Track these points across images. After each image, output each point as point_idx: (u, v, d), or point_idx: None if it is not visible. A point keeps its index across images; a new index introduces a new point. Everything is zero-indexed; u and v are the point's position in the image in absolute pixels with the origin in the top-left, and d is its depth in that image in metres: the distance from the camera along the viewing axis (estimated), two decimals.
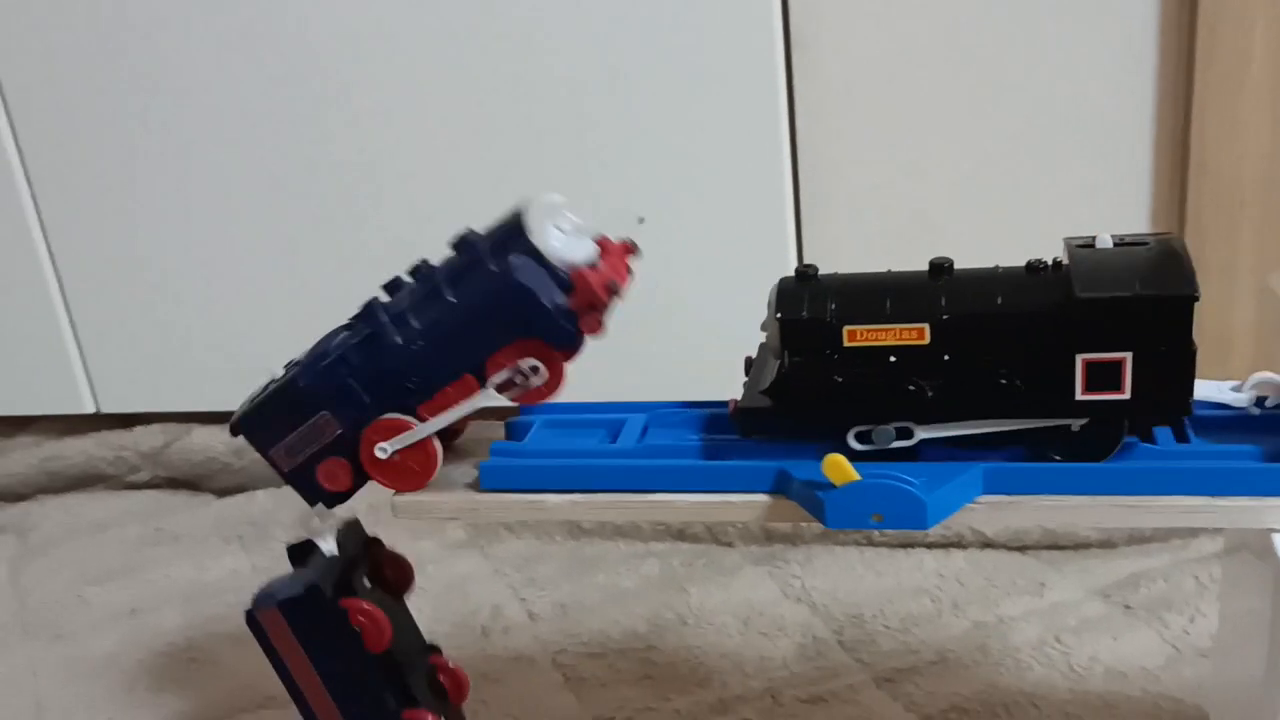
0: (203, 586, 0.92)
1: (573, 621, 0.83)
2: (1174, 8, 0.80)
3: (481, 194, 0.94)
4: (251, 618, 0.54)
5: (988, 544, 0.86)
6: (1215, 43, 0.79)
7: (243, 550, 0.97)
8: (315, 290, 0.99)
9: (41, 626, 0.89)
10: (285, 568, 0.93)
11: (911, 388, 0.46)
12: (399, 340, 0.50)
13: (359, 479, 0.52)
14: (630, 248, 0.52)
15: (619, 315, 0.94)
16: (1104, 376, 0.44)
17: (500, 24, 0.89)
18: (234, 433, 0.54)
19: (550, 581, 0.88)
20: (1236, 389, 0.49)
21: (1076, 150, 0.85)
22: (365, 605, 0.52)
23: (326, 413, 0.51)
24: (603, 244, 0.51)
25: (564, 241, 0.49)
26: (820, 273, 0.48)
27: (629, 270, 0.51)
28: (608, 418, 0.55)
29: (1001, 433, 0.47)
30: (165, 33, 0.95)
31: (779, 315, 0.47)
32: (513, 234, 0.49)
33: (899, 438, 0.47)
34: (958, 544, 0.86)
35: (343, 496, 0.53)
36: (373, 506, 0.54)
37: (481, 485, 0.51)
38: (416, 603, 0.58)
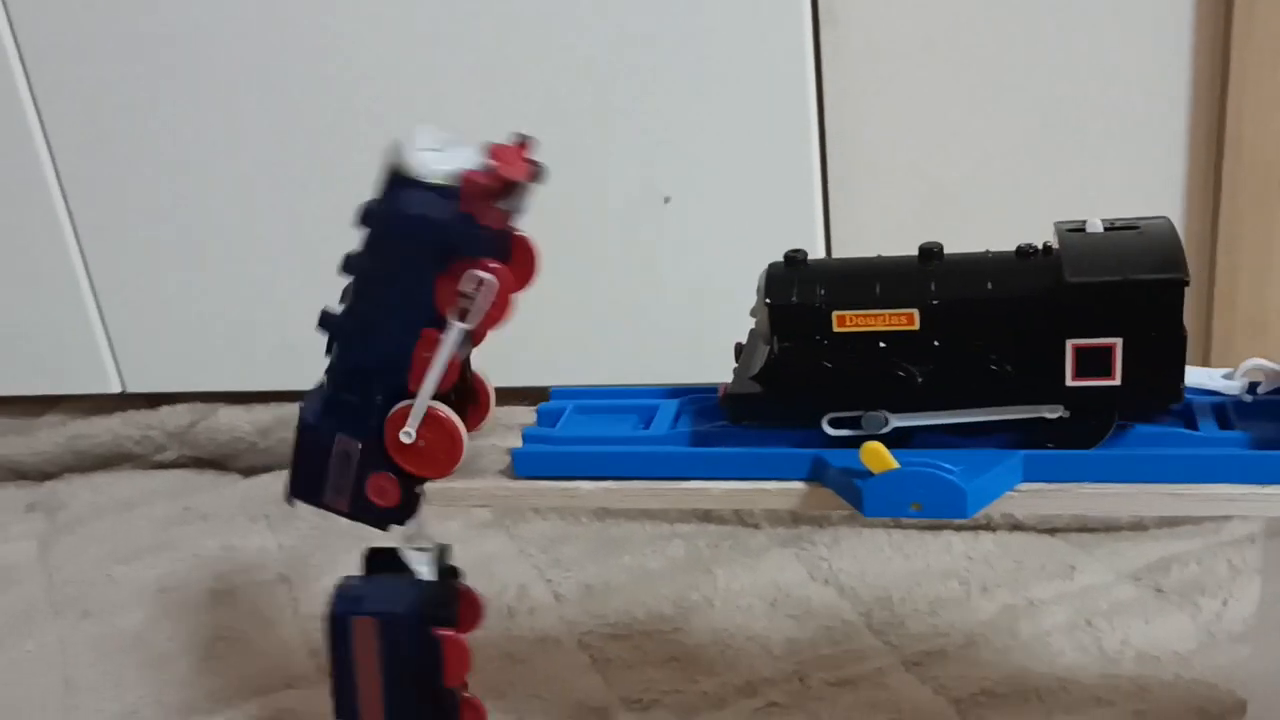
0: (230, 565, 0.92)
1: (599, 603, 0.83)
2: None
3: None
4: (342, 620, 0.53)
5: (1017, 527, 0.85)
6: (1253, 22, 0.78)
7: (269, 529, 0.97)
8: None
9: (70, 604, 0.89)
10: (311, 547, 0.94)
11: (901, 373, 0.46)
12: (353, 332, 0.50)
13: (407, 486, 0.52)
14: (524, 143, 0.51)
15: (646, 298, 0.94)
16: (1094, 362, 0.44)
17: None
18: (289, 502, 0.55)
19: (576, 562, 0.88)
20: (1228, 376, 0.49)
21: (1110, 129, 0.84)
22: (461, 640, 0.52)
23: (340, 434, 0.52)
24: (491, 148, 0.50)
25: (439, 158, 0.49)
26: (809, 258, 0.48)
27: (528, 160, 0.50)
28: (640, 403, 0.55)
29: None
30: (193, 5, 0.95)
31: (768, 301, 0.47)
32: (391, 178, 0.49)
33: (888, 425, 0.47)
34: (986, 527, 0.86)
35: (404, 509, 0.53)
36: None
37: (515, 472, 0.51)
38: None
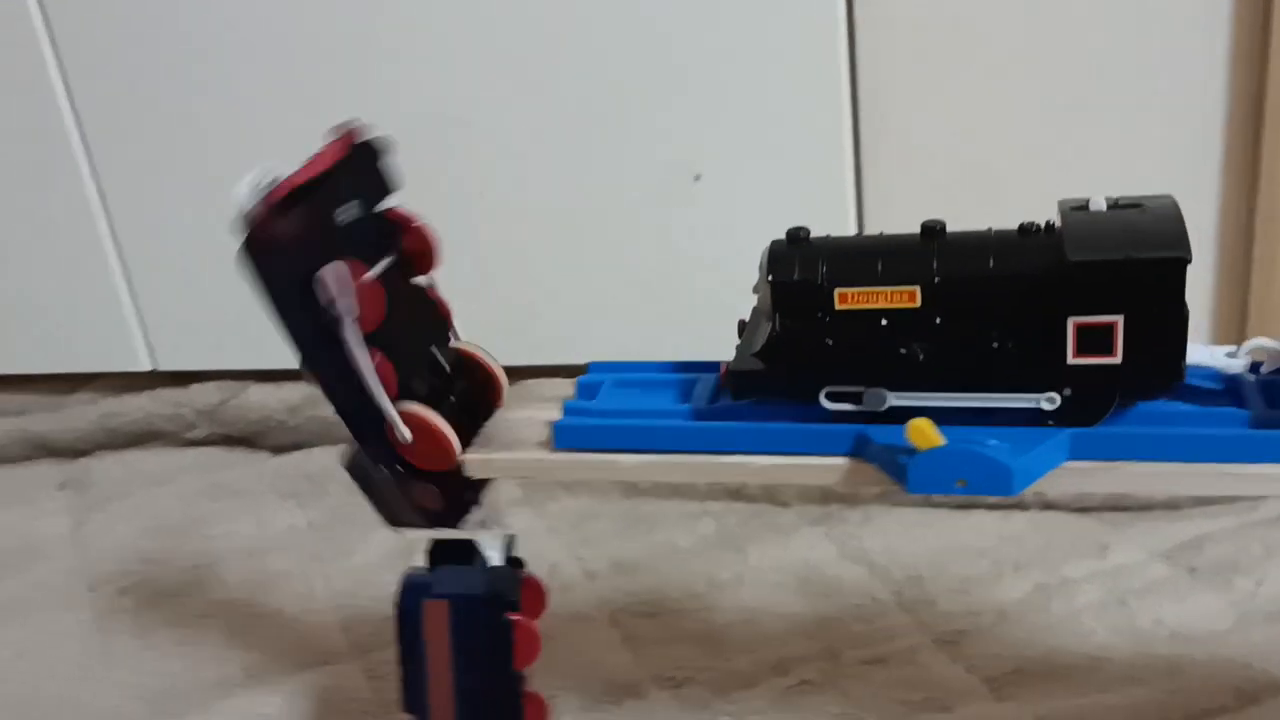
0: (262, 542, 0.93)
1: (630, 580, 0.83)
2: None
3: (535, 150, 0.94)
4: (412, 606, 0.53)
5: (1049, 505, 0.85)
6: None
7: (299, 507, 0.98)
8: None
9: (105, 581, 0.90)
10: (341, 524, 0.94)
11: (903, 351, 0.46)
12: (312, 379, 0.51)
13: (445, 485, 0.52)
14: (342, 133, 0.51)
15: (678, 275, 0.94)
16: (1095, 340, 0.44)
17: None
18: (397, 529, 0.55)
19: (606, 540, 0.88)
20: (1231, 354, 0.48)
21: (1148, 102, 0.83)
22: (531, 625, 0.52)
23: (367, 460, 0.52)
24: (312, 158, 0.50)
25: (252, 183, 0.48)
26: (812, 235, 0.48)
27: (336, 147, 0.51)
28: (678, 377, 0.55)
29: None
30: None
31: (770, 278, 0.47)
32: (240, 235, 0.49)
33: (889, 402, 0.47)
34: (1018, 505, 0.85)
35: (457, 504, 0.53)
36: None
37: (556, 444, 0.51)
38: None
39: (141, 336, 1.09)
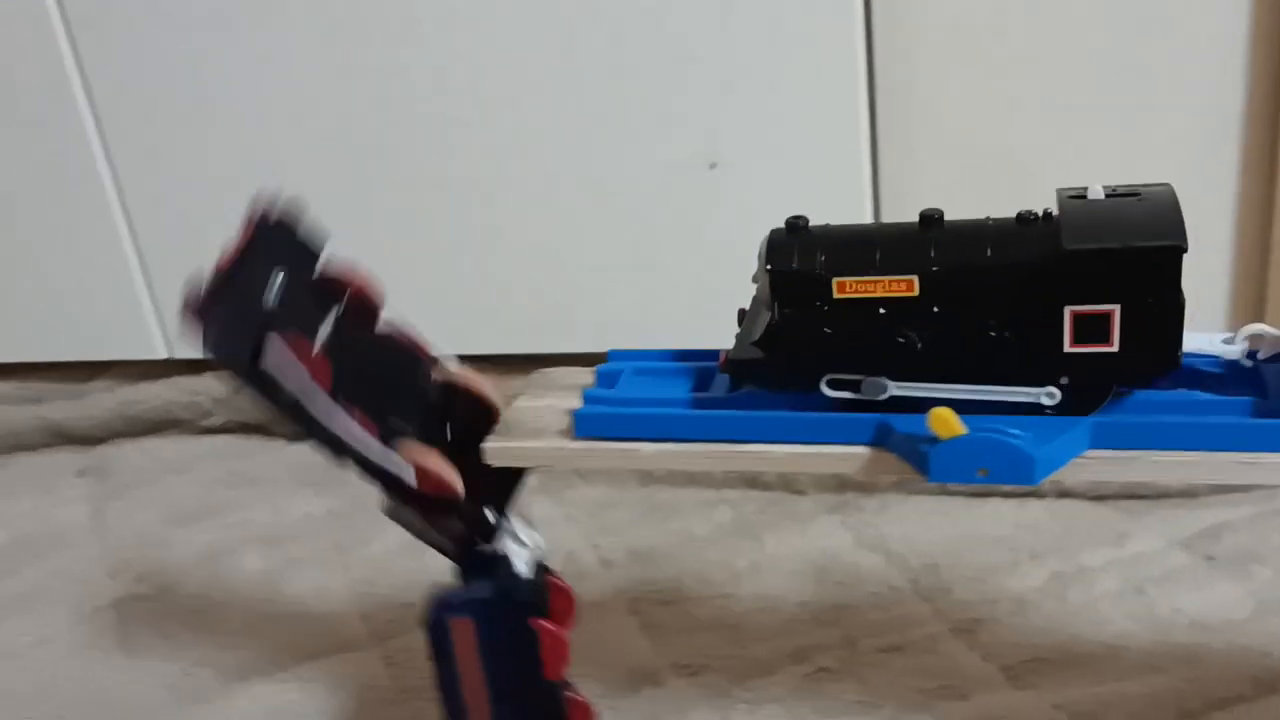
0: (280, 529, 0.93)
1: (647, 568, 0.83)
2: None
3: (551, 138, 0.94)
4: (439, 624, 0.53)
5: (1065, 494, 0.85)
6: None
7: (316, 495, 0.98)
8: (386, 239, 0.99)
9: (125, 568, 0.91)
10: (359, 512, 0.95)
11: (901, 339, 0.46)
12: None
13: (461, 510, 0.53)
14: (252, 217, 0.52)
15: (694, 264, 0.94)
16: (1092, 329, 0.44)
17: None
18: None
19: (623, 528, 0.88)
20: (1228, 341, 0.48)
21: (1175, 91, 0.82)
22: (555, 629, 0.52)
23: (392, 507, 0.54)
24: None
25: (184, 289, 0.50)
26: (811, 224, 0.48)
27: (243, 235, 0.52)
28: (697, 366, 0.55)
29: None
30: None
31: (769, 267, 0.47)
32: None
33: (889, 391, 0.47)
34: (1035, 494, 0.85)
35: (478, 524, 0.54)
36: None
37: (576, 433, 0.51)
38: None
39: (158, 324, 1.10)
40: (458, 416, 0.55)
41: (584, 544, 0.87)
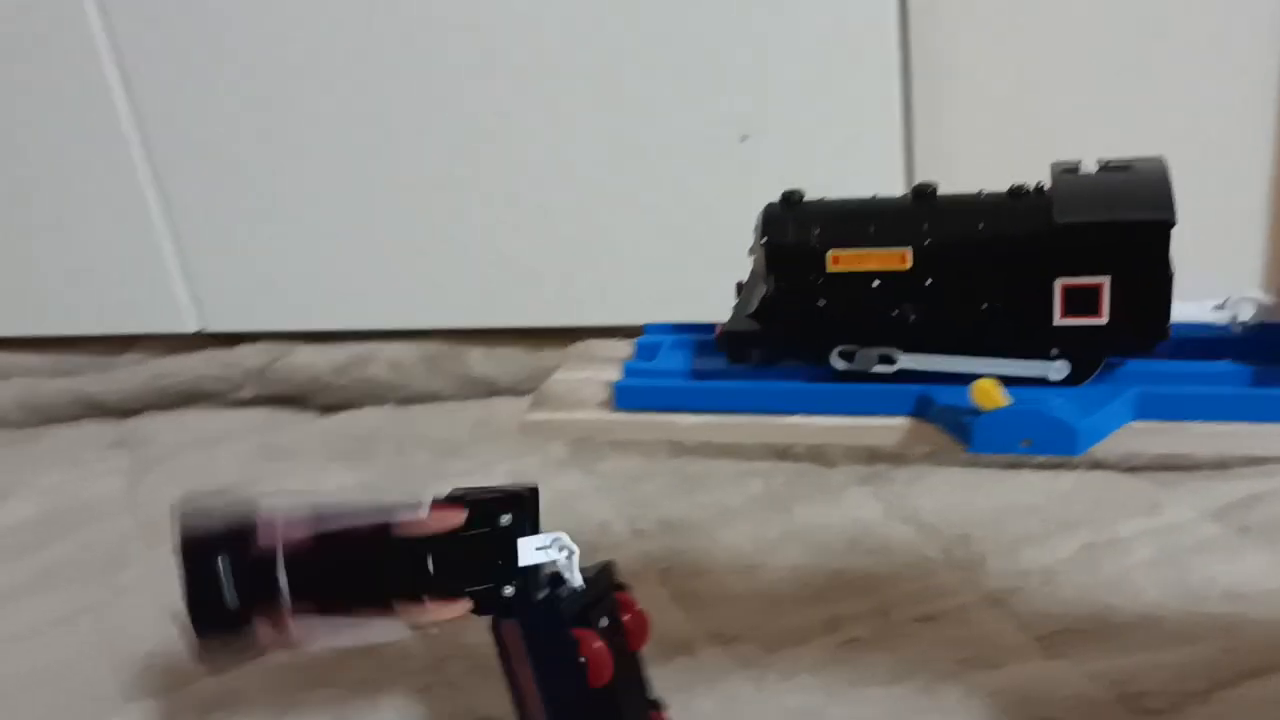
0: None
1: (680, 539, 0.84)
2: None
3: (583, 113, 0.94)
4: (495, 625, 0.54)
5: (1097, 465, 0.85)
6: None
7: (348, 468, 0.99)
8: (419, 210, 1.00)
9: (161, 538, 0.91)
10: (391, 483, 0.95)
11: (894, 312, 0.47)
12: None
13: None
14: None
15: (727, 236, 0.94)
16: (1082, 301, 0.44)
17: None
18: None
19: (655, 499, 0.89)
20: (1219, 307, 0.48)
21: (1213, 60, 0.81)
22: (595, 640, 0.53)
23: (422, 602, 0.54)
24: None
25: None
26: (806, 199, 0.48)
27: None
28: None
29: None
30: None
31: (764, 240, 0.48)
32: None
33: (882, 363, 0.48)
34: (1066, 464, 0.85)
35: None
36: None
37: (617, 404, 0.51)
38: None
39: (189, 297, 1.10)
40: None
41: (616, 515, 0.87)
